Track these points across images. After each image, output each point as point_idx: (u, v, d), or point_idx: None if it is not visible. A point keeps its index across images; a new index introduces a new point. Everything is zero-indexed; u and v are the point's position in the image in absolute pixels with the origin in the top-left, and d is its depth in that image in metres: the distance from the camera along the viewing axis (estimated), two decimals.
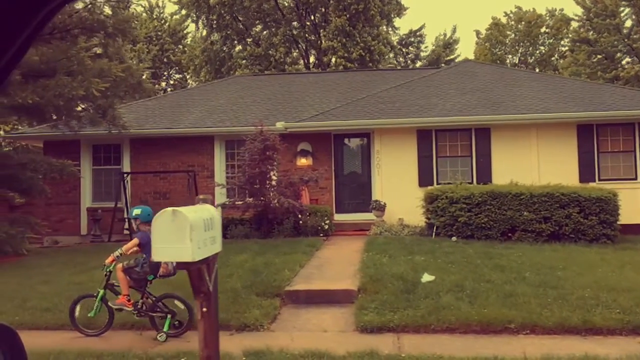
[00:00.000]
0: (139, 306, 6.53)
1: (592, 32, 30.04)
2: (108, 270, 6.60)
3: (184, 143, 16.60)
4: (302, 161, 16.13)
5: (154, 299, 6.55)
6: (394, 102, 16.45)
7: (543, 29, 43.41)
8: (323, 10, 32.89)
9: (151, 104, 18.96)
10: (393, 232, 13.61)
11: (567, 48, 42.39)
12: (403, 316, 6.43)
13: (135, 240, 6.55)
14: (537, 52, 43.89)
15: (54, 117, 12.15)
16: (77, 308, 6.62)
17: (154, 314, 6.50)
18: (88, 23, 12.45)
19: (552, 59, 43.45)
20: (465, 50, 63.37)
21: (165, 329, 6.36)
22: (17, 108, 11.19)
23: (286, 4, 34.36)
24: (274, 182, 14.07)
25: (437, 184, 15.10)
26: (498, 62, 40.25)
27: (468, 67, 19.67)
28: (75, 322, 6.60)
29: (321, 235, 13.58)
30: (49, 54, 11.38)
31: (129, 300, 6.47)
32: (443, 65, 35.54)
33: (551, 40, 43.27)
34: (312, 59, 35.52)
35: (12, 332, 1.21)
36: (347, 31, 28.94)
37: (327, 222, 13.92)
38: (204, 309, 3.69)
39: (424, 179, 15.42)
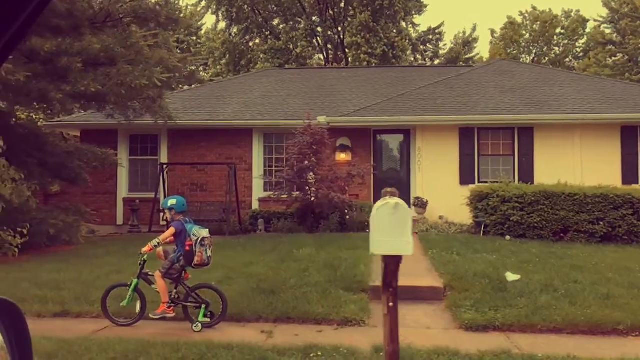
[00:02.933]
0: (172, 296, 6.50)
1: (615, 34, 29.99)
2: (143, 259, 6.61)
3: (222, 135, 16.52)
4: (342, 156, 16.06)
5: (188, 288, 6.52)
6: (435, 99, 16.40)
7: (558, 30, 43.37)
8: (342, 5, 32.77)
9: (186, 95, 18.86)
10: (440, 230, 13.57)
11: (581, 49, 42.45)
12: (506, 315, 6.39)
13: (171, 230, 6.51)
14: (552, 52, 43.86)
15: (110, 107, 12.03)
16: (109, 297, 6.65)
17: (188, 304, 6.49)
18: (141, 12, 12.34)
19: (566, 60, 43.43)
20: (482, 49, 63.48)
21: (200, 319, 6.33)
22: (74, 96, 11.09)
23: None
24: (319, 177, 14.01)
25: (479, 182, 15.09)
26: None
27: (503, 65, 19.63)
28: (106, 312, 6.58)
29: (367, 230, 13.49)
30: (108, 42, 11.28)
31: (169, 307, 6.43)
32: (462, 63, 35.52)
33: (566, 42, 43.23)
34: (327, 55, 35.38)
35: (16, 309, 1.21)
36: (371, 27, 28.84)
37: None
38: (391, 304, 3.65)
39: (465, 177, 15.40)
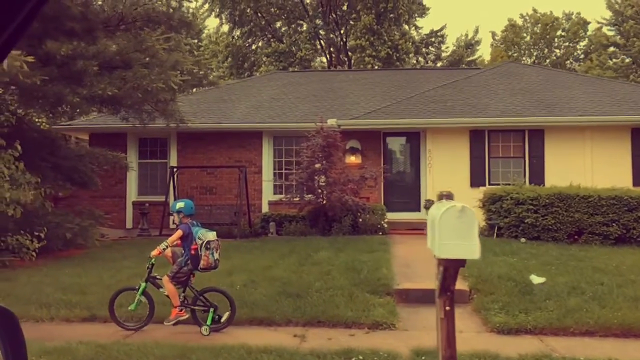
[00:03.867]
0: (181, 299, 6.49)
1: (619, 36, 30.07)
2: (151, 263, 6.62)
3: (232, 138, 16.49)
4: (352, 159, 16.05)
5: (196, 292, 6.51)
6: (445, 101, 16.40)
7: (559, 32, 43.48)
8: (345, 8, 32.78)
9: (194, 98, 18.81)
10: None
11: (582, 51, 42.55)
12: (537, 318, 6.38)
13: (179, 232, 6.51)
14: (553, 55, 43.97)
15: (125, 110, 11.99)
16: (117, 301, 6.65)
17: (196, 307, 6.49)
18: (154, 15, 12.31)
19: (567, 62, 43.52)
20: (484, 51, 63.50)
21: (208, 323, 6.33)
22: (90, 99, 11.05)
23: (308, 1, 34.20)
24: (331, 180, 13.99)
25: (489, 184, 15.09)
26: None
27: (511, 68, 19.65)
28: (114, 316, 6.57)
29: (380, 233, 13.51)
30: (122, 45, 11.25)
31: (181, 310, 6.43)
32: (464, 65, 35.56)
33: (567, 44, 43.33)
34: (330, 57, 35.39)
35: (12, 316, 1.20)
36: (375, 30, 28.87)
37: (386, 220, 13.87)
38: (447, 308, 3.62)
39: (476, 179, 15.39)
